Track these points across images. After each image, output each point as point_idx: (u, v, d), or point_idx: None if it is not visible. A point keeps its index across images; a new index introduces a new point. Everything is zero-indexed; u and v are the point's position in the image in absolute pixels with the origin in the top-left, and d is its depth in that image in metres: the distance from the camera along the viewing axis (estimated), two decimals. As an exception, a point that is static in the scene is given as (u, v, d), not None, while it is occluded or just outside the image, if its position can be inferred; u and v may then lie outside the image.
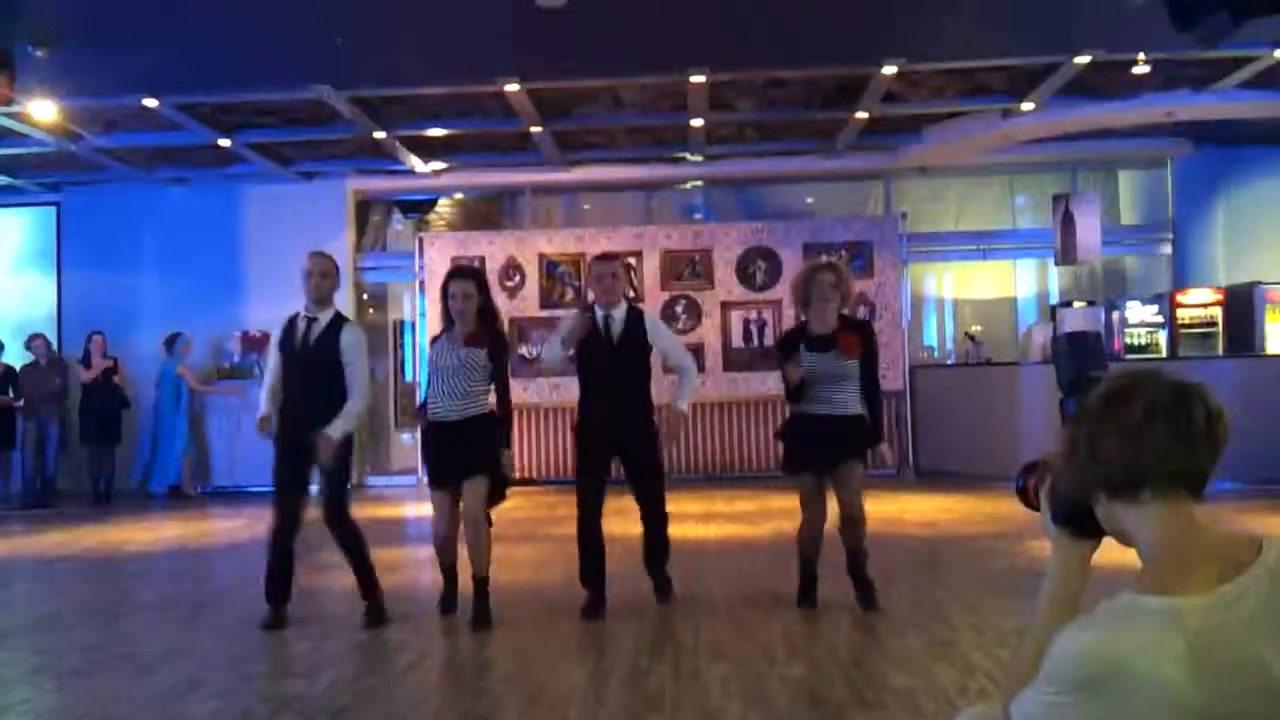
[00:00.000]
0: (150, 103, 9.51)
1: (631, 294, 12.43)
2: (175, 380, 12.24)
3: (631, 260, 12.38)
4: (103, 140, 10.97)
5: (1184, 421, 1.59)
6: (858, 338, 5.54)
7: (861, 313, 12.22)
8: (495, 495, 5.56)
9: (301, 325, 5.61)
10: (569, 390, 12.16)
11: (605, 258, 5.90)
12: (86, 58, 8.32)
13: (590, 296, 5.95)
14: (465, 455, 5.47)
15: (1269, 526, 7.61)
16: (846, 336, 5.51)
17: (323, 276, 5.62)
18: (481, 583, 5.48)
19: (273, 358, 5.75)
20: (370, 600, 5.58)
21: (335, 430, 5.37)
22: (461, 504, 5.51)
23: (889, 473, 11.91)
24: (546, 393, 12.20)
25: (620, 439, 5.64)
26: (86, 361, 12.00)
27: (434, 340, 5.87)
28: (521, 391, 12.01)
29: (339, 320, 5.64)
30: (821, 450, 5.49)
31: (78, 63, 8.36)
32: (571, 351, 5.73)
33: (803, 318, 5.76)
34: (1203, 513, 1.61)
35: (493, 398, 5.63)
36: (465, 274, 5.83)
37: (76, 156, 11.52)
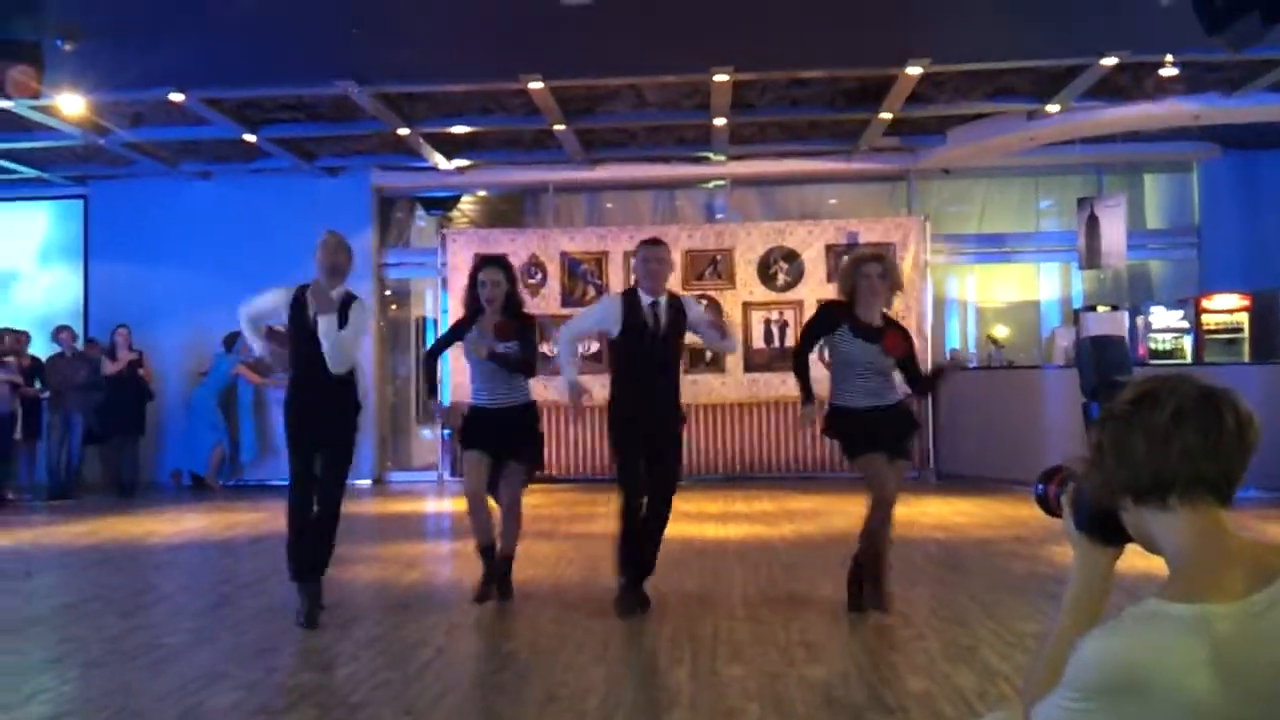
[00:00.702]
0: (176, 97, 9.57)
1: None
2: (230, 377, 12.37)
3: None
4: (129, 134, 11.04)
5: (1214, 426, 1.57)
6: (903, 342, 5.48)
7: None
8: (529, 479, 5.98)
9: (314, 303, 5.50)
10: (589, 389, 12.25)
11: (653, 242, 5.76)
12: (113, 52, 8.38)
13: (633, 281, 5.81)
14: (507, 439, 5.81)
15: (1293, 534, 7.55)
16: (894, 336, 5.45)
17: (337, 251, 5.56)
18: (506, 561, 5.90)
19: (269, 302, 5.81)
20: (306, 592, 5.49)
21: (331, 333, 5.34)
22: (501, 492, 5.86)
23: (909, 475, 11.89)
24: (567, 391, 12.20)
25: (653, 430, 5.56)
26: (112, 354, 12.09)
27: (457, 327, 5.94)
28: (542, 389, 12.01)
29: (350, 297, 5.58)
30: (880, 433, 5.40)
31: (105, 57, 8.41)
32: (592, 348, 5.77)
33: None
34: (1231, 520, 1.59)
35: (532, 385, 5.96)
36: (495, 262, 5.97)
37: (104, 150, 11.61)
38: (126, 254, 13.08)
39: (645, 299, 5.61)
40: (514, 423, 5.83)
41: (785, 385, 12.00)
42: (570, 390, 5.69)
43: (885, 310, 5.60)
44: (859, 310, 5.49)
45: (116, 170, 12.69)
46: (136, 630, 5.36)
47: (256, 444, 12.60)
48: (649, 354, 5.60)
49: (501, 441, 5.81)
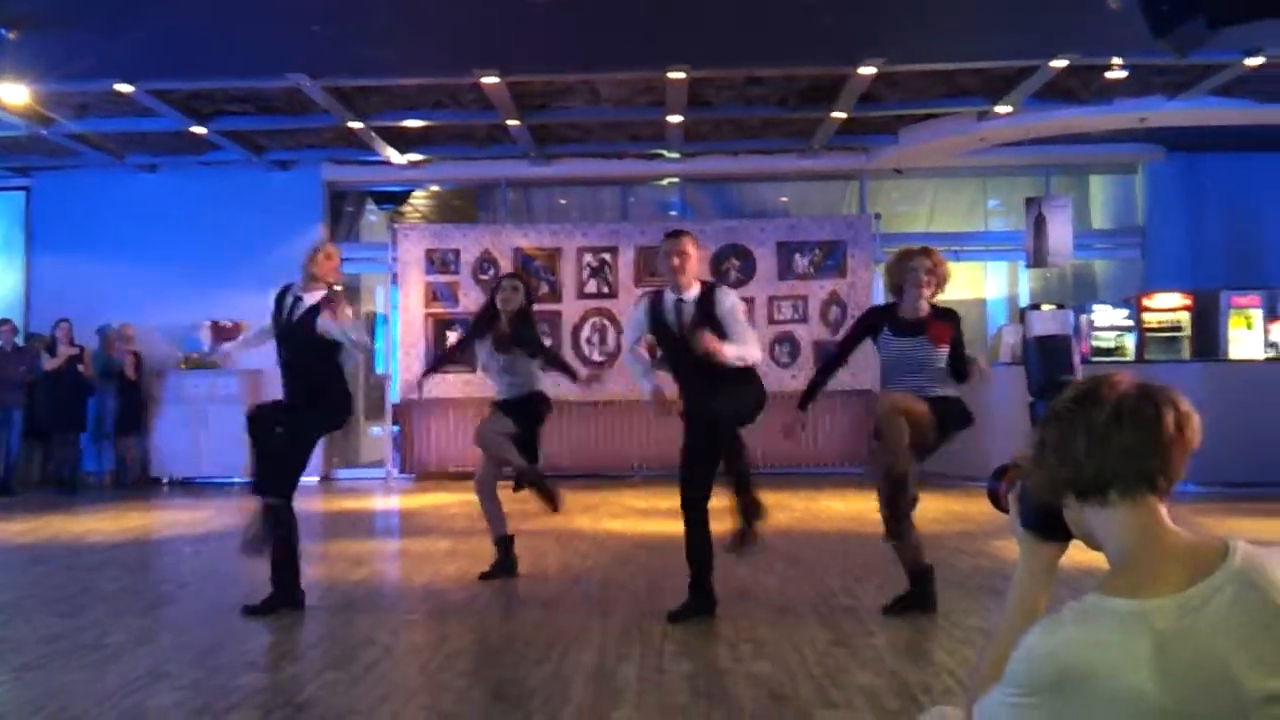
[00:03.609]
0: (123, 88, 9.40)
1: (607, 289, 12.43)
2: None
3: (607, 256, 12.35)
4: (74, 125, 10.83)
5: (1153, 424, 1.60)
6: (948, 326, 5.32)
7: (834, 312, 12.27)
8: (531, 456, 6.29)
9: (289, 301, 5.65)
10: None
11: (671, 235, 5.46)
12: (59, 41, 8.21)
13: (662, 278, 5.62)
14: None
15: (1231, 529, 7.68)
16: (937, 324, 5.30)
17: (309, 262, 5.64)
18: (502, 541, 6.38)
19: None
20: (274, 589, 5.50)
21: (332, 323, 5.41)
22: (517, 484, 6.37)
23: (855, 471, 11.98)
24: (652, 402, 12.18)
25: (705, 429, 5.28)
26: (52, 349, 11.85)
27: (477, 334, 6.42)
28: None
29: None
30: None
31: (50, 46, 8.25)
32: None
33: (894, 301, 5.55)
34: (1170, 515, 1.61)
35: (537, 378, 6.35)
36: (515, 276, 6.68)
37: (47, 141, 11.38)
38: (70, 247, 12.84)
39: (670, 297, 5.39)
40: (517, 415, 6.25)
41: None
42: (653, 399, 5.58)
43: (934, 303, 5.44)
44: (902, 307, 5.42)
45: (61, 161, 12.45)
46: (75, 630, 5.25)
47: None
48: (680, 354, 5.34)
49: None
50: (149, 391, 12.42)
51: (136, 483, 12.13)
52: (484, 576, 6.32)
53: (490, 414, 6.35)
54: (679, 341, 5.32)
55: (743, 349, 5.23)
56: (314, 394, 5.56)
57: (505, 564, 6.39)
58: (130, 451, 12.28)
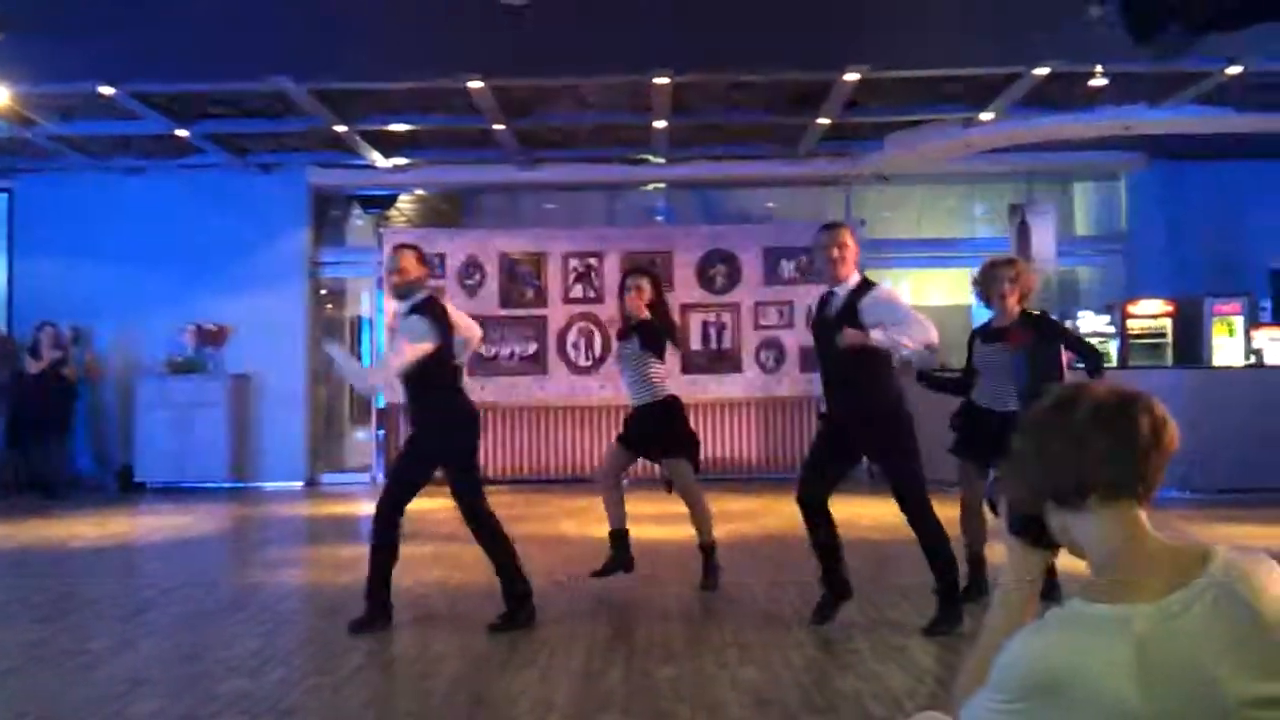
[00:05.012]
0: (106, 90, 9.35)
1: (592, 294, 12.42)
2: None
3: (593, 261, 12.36)
4: (58, 128, 10.77)
5: (1129, 430, 1.61)
6: (1029, 331, 5.56)
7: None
8: (693, 461, 6.22)
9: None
10: (526, 390, 12.24)
11: (830, 226, 5.32)
12: (42, 43, 8.16)
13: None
14: (653, 439, 6.18)
15: (1214, 536, 7.72)
16: (1016, 329, 5.55)
17: (390, 273, 5.47)
18: (707, 549, 6.18)
19: None
20: (506, 602, 5.35)
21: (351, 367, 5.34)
22: (674, 487, 6.22)
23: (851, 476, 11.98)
24: (505, 391, 12.18)
25: (845, 429, 5.24)
26: (36, 352, 11.78)
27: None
28: (479, 390, 11.96)
29: (417, 307, 5.41)
30: (984, 442, 5.51)
31: (33, 48, 8.19)
32: None
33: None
34: (1150, 521, 1.62)
35: (661, 384, 6.23)
36: (639, 271, 6.44)
37: (31, 143, 11.31)
38: (53, 249, 12.71)
39: (827, 290, 5.33)
40: (653, 425, 6.16)
41: (721, 386, 12.06)
42: None
43: (1026, 309, 5.72)
44: (994, 316, 5.74)
45: (44, 164, 12.36)
46: (57, 635, 5.22)
47: None
48: (821, 348, 5.34)
49: (640, 439, 6.20)
50: (121, 395, 12.34)
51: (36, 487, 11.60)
52: (597, 574, 6.16)
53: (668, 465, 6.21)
54: (824, 334, 5.26)
55: (905, 333, 4.97)
56: (421, 412, 5.41)
57: (619, 559, 6.24)
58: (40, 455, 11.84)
